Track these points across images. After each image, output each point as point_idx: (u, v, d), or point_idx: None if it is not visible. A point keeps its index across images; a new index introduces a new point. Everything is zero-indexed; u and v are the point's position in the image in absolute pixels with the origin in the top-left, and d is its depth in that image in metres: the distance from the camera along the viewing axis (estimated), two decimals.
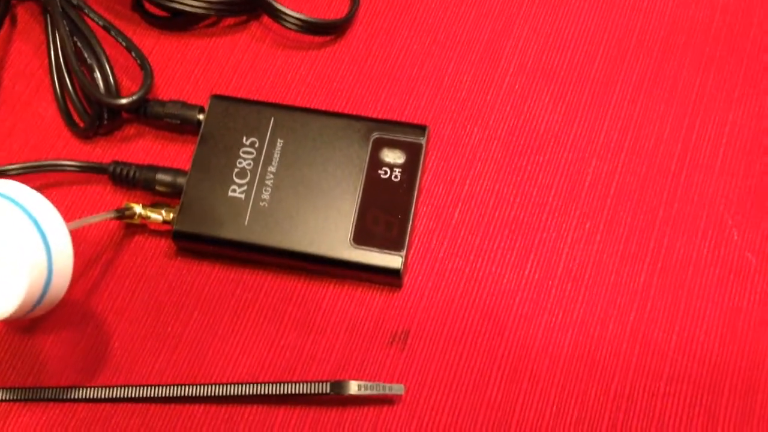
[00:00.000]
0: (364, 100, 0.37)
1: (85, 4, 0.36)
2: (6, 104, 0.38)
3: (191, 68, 0.39)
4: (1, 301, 0.26)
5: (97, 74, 0.35)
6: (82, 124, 0.37)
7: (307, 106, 0.37)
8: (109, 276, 0.34)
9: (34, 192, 0.27)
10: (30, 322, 0.34)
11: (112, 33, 0.36)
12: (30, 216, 0.26)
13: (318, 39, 0.39)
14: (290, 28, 0.38)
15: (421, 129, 0.35)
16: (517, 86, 0.37)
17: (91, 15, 0.36)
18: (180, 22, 0.39)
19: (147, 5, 0.39)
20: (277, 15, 0.38)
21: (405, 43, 0.38)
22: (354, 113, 0.36)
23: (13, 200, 0.26)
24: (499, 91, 0.37)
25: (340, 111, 0.36)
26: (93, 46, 0.36)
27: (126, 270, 0.34)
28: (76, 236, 0.33)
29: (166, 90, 0.38)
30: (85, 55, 0.36)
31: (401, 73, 0.38)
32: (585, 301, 0.33)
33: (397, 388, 0.31)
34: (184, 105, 0.36)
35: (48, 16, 0.37)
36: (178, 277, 0.34)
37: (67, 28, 0.36)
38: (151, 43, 0.39)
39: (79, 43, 0.36)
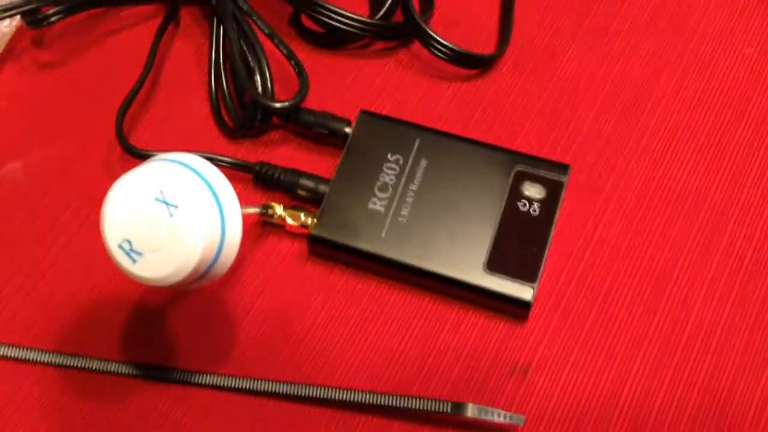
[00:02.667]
0: (503, 136, 0.38)
1: (254, 11, 0.38)
2: (161, 100, 0.40)
3: (338, 85, 0.40)
4: (174, 267, 0.27)
5: (258, 77, 0.37)
6: (231, 125, 0.38)
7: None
8: (243, 270, 0.35)
9: (217, 171, 0.28)
10: (165, 304, 0.35)
11: (275, 41, 0.38)
12: (212, 191, 0.28)
13: (464, 71, 0.40)
14: (439, 57, 0.39)
15: (563, 167, 0.35)
16: (657, 140, 0.38)
17: (258, 22, 0.38)
18: (333, 41, 0.41)
19: (304, 20, 0.41)
20: (428, 42, 0.39)
21: (548, 86, 0.39)
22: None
23: (198, 173, 0.28)
24: (639, 142, 0.38)
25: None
26: (257, 50, 0.37)
27: (258, 267, 0.35)
28: None
29: (312, 102, 0.39)
30: (249, 58, 0.37)
31: (542, 114, 0.38)
32: (712, 363, 0.33)
33: (516, 418, 0.31)
34: (334, 117, 0.37)
35: (215, 18, 0.39)
36: (308, 280, 0.35)
37: (236, 32, 0.37)
38: (303, 57, 0.40)
39: (244, 47, 0.37)
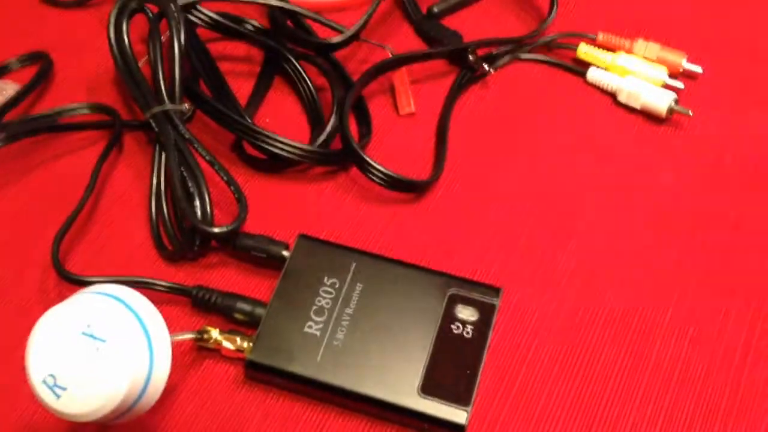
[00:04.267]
0: (438, 258, 0.39)
1: (195, 138, 0.39)
2: (100, 223, 0.40)
3: (278, 208, 0.41)
4: (98, 403, 0.27)
5: (197, 202, 0.38)
6: (171, 249, 0.39)
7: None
8: (176, 395, 0.35)
9: (148, 304, 0.29)
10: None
11: (215, 167, 0.39)
12: (142, 325, 0.28)
13: (401, 195, 0.41)
14: (376, 182, 0.41)
15: (495, 291, 0.36)
16: (586, 262, 0.39)
17: (200, 149, 0.39)
18: (274, 166, 0.42)
19: (246, 146, 0.42)
20: (365, 168, 0.40)
21: (482, 209, 0.41)
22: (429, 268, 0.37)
23: (128, 307, 0.28)
24: (569, 264, 0.39)
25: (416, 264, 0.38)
26: (197, 176, 0.38)
27: (193, 392, 0.35)
28: None
29: (252, 226, 0.40)
30: (189, 184, 0.38)
31: (476, 236, 0.40)
32: None
33: None
34: (271, 240, 0.38)
35: (158, 146, 0.40)
36: (244, 405, 0.35)
37: (177, 159, 0.38)
38: (244, 181, 0.42)
39: (185, 173, 0.38)
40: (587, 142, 0.43)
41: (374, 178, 0.41)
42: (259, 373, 0.35)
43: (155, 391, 0.28)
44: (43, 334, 0.27)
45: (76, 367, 0.27)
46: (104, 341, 0.27)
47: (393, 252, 0.39)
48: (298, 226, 0.40)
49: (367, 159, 0.40)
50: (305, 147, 0.41)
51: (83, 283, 0.36)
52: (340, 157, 0.42)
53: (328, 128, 0.42)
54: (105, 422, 0.28)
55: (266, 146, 0.40)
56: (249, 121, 0.41)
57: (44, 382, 0.27)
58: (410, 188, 0.41)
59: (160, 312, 0.36)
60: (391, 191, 0.41)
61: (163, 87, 0.40)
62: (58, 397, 0.27)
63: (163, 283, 0.37)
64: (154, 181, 0.40)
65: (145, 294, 0.37)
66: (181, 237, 0.39)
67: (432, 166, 0.42)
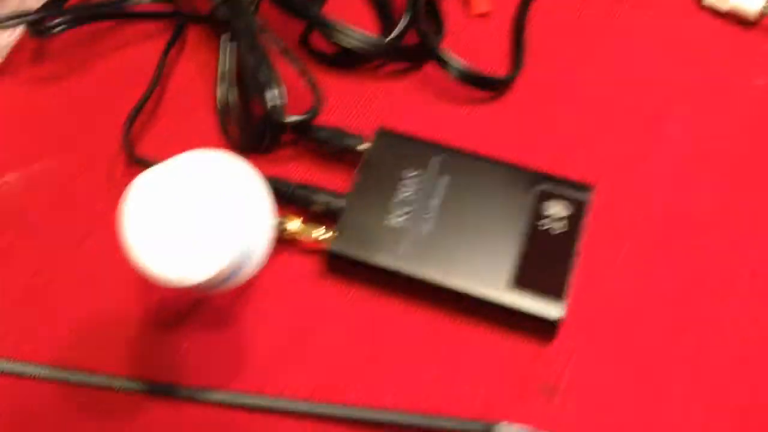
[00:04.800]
0: (520, 160, 0.37)
1: (267, 26, 0.37)
2: (168, 115, 0.39)
3: (348, 107, 0.39)
4: (204, 266, 0.25)
5: (270, 92, 0.36)
6: (240, 141, 0.37)
7: None
8: (256, 286, 0.34)
9: (255, 172, 0.27)
10: (172, 320, 0.33)
11: (289, 56, 0.37)
12: (252, 191, 0.26)
13: (478, 94, 0.39)
14: (453, 77, 0.39)
15: (586, 187, 0.35)
16: (677, 166, 0.37)
17: (271, 37, 0.37)
18: (345, 62, 0.40)
19: (314, 41, 0.40)
20: (442, 62, 0.39)
21: (563, 111, 0.39)
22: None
23: (238, 171, 0.26)
24: (659, 167, 0.37)
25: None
26: (269, 65, 0.36)
27: (272, 283, 0.34)
28: None
29: (322, 121, 0.38)
30: (261, 73, 0.36)
31: (557, 138, 0.38)
32: (749, 384, 0.32)
33: None
34: (347, 133, 0.36)
35: (226, 33, 0.38)
36: (325, 296, 0.34)
37: (248, 47, 0.37)
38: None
39: (256, 61, 0.36)
40: (671, 45, 0.41)
41: (452, 72, 0.39)
42: (342, 264, 0.33)
43: (258, 261, 0.27)
44: (143, 195, 0.26)
45: (179, 228, 0.25)
46: (213, 203, 0.25)
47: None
48: (369, 125, 0.38)
49: (445, 52, 0.38)
50: (380, 40, 0.39)
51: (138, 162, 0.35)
52: (415, 52, 0.40)
53: (402, 23, 0.40)
54: (203, 289, 0.26)
55: (339, 39, 0.38)
56: (319, 9, 0.39)
57: (145, 244, 0.25)
58: (489, 85, 0.39)
59: None
60: (468, 88, 0.39)
61: None
62: (158, 260, 0.25)
63: None
64: (224, 71, 0.38)
65: None
66: (251, 128, 0.37)
67: (508, 67, 0.40)
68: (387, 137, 0.36)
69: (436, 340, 0.33)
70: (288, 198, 0.35)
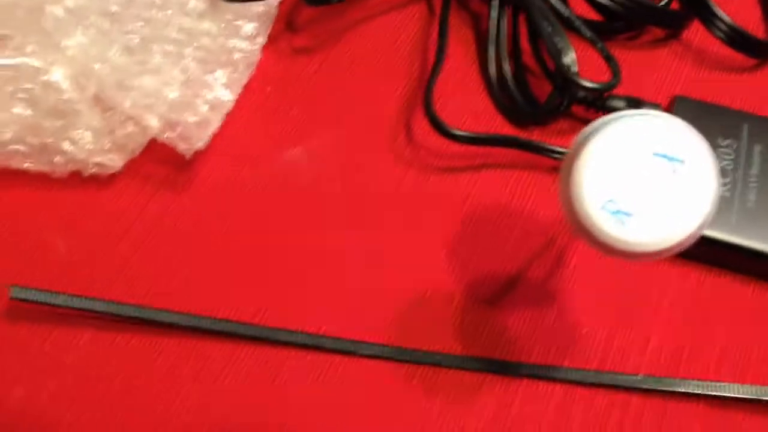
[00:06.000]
0: None
1: None
2: (446, 80, 0.38)
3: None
4: (672, 230, 0.24)
5: (566, 58, 0.35)
6: (527, 111, 0.37)
7: None
8: (574, 258, 0.34)
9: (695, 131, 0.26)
10: (495, 296, 0.33)
11: (576, 24, 0.36)
12: (708, 150, 0.25)
13: (743, 62, 0.39)
14: (721, 38, 0.38)
15: None
16: None
17: (558, 5, 0.37)
18: (610, 29, 0.39)
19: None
20: (710, 20, 0.38)
21: None
22: None
23: (690, 130, 0.25)
24: None
25: None
26: (560, 31, 0.36)
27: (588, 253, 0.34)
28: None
29: None
30: (556, 40, 0.36)
31: None
32: None
33: None
34: (644, 102, 0.36)
35: (509, 6, 0.38)
36: (652, 270, 0.33)
37: (540, 14, 0.36)
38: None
39: (548, 28, 0.36)
40: None
41: (718, 32, 0.38)
42: None
43: (706, 225, 0.26)
44: (606, 156, 0.24)
45: (647, 191, 0.24)
46: (682, 162, 0.24)
47: None
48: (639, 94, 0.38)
49: (714, 8, 0.38)
50: (650, 4, 0.38)
51: (457, 137, 0.35)
52: (680, 13, 0.39)
53: None
54: (659, 256, 0.25)
55: (611, 3, 0.38)
56: None
57: (604, 208, 0.24)
58: (757, 49, 0.38)
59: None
60: (735, 51, 0.38)
61: None
62: (623, 224, 0.24)
63: (546, 146, 0.35)
64: (497, 37, 0.38)
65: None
66: (534, 100, 0.37)
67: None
68: (688, 106, 0.35)
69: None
70: None
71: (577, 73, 0.35)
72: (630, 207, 0.24)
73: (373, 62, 0.39)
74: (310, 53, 0.39)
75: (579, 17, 0.37)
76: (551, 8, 0.36)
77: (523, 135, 0.37)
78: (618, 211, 0.24)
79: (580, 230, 0.25)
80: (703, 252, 0.33)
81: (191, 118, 0.32)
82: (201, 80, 0.33)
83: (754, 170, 0.34)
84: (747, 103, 0.37)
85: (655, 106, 0.36)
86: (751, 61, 0.39)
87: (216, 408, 0.30)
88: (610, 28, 0.40)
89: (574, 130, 0.37)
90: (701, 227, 0.24)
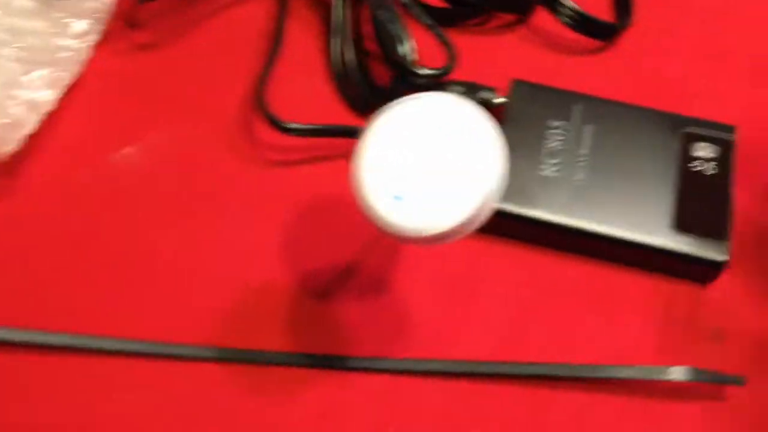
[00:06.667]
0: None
1: None
2: (284, 76, 0.37)
3: (465, 62, 0.38)
4: (448, 214, 0.24)
5: (401, 46, 0.35)
6: (366, 100, 0.36)
7: None
8: (408, 248, 0.33)
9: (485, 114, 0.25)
10: (325, 290, 0.32)
11: (415, 11, 0.36)
12: (492, 133, 0.25)
13: (588, 44, 0.39)
14: (566, 23, 0.38)
15: (729, 128, 0.34)
16: None
17: None
18: (454, 16, 0.39)
19: None
20: (554, 7, 0.38)
21: (684, 55, 0.39)
22: None
23: (476, 111, 0.25)
24: None
25: None
26: (398, 18, 0.35)
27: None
28: None
29: None
30: (391, 28, 0.35)
31: (676, 83, 0.38)
32: None
33: (736, 380, 0.30)
34: (482, 86, 0.36)
35: None
36: (480, 254, 0.33)
37: (375, 2, 0.36)
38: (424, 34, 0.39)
39: (385, 16, 0.35)
40: None
41: (563, 17, 0.38)
42: (499, 221, 0.33)
43: (490, 209, 0.25)
44: (382, 135, 0.24)
45: (424, 174, 0.24)
46: (459, 145, 0.24)
47: None
48: (487, 79, 0.37)
49: None
50: None
51: (292, 131, 0.34)
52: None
53: None
54: (438, 240, 0.25)
55: None
56: None
57: (382, 190, 0.24)
58: (601, 32, 0.39)
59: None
60: (579, 34, 0.38)
61: None
62: (398, 208, 0.24)
63: None
64: (338, 24, 0.37)
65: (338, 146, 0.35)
66: (375, 88, 0.36)
67: (616, 15, 0.40)
68: (524, 88, 0.35)
69: (595, 290, 0.33)
70: None
71: (413, 61, 0.35)
72: (406, 191, 0.24)
73: (215, 57, 0.38)
74: (149, 50, 0.38)
75: (419, 3, 0.36)
76: None
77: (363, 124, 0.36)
78: (396, 196, 0.24)
79: (367, 216, 0.25)
80: (535, 233, 0.33)
81: (1, 120, 0.31)
82: (17, 81, 0.32)
83: (584, 150, 0.33)
84: (593, 85, 0.36)
85: (491, 89, 0.36)
86: (598, 44, 0.39)
87: (24, 420, 0.29)
88: (456, 14, 0.39)
89: None
90: (485, 206, 0.24)
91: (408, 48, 0.35)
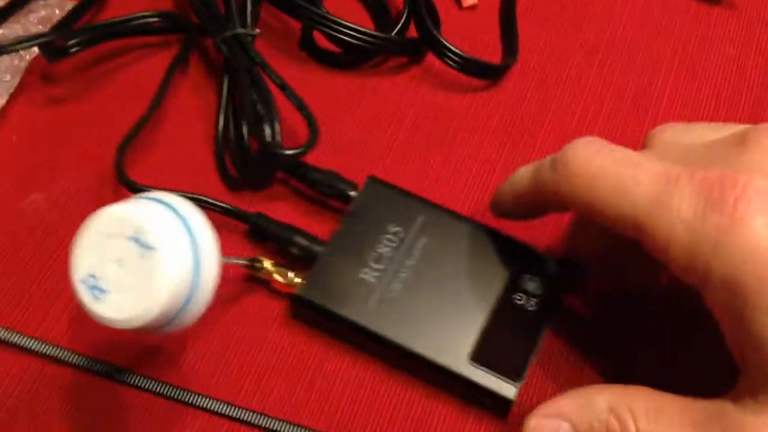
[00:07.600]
0: (521, 143, 0.39)
1: (266, 63, 0.38)
2: (164, 141, 0.39)
3: (350, 104, 0.40)
4: (139, 309, 0.26)
5: (267, 126, 0.36)
6: (235, 174, 0.38)
7: (462, 145, 0.39)
8: (220, 320, 0.34)
9: (200, 215, 0.27)
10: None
11: (286, 92, 0.37)
12: (191, 236, 0.26)
13: (475, 83, 0.41)
14: (452, 66, 0.40)
15: (565, 268, 0.34)
16: None
17: (271, 74, 0.37)
18: (346, 61, 0.41)
19: (315, 42, 0.41)
20: (442, 52, 0.40)
21: (558, 94, 0.40)
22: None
23: (180, 216, 0.27)
24: None
25: (490, 157, 0.38)
26: (268, 100, 0.37)
27: (237, 319, 0.34)
28: None
29: (324, 122, 0.37)
30: (259, 108, 0.36)
31: (555, 119, 0.39)
32: None
33: None
34: (340, 178, 0.36)
35: (227, 68, 0.39)
36: (283, 338, 0.34)
37: (248, 83, 0.37)
38: (313, 79, 0.41)
39: (255, 96, 0.37)
40: (649, 25, 0.43)
41: (450, 62, 0.40)
42: (306, 310, 0.33)
43: (199, 306, 0.27)
44: (89, 233, 0.26)
45: (119, 270, 0.26)
46: (150, 248, 0.25)
47: (474, 139, 0.39)
48: (373, 122, 0.39)
49: (444, 41, 0.39)
50: (382, 35, 0.40)
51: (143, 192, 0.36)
52: (417, 43, 0.41)
53: (404, 17, 0.41)
54: (145, 332, 0.26)
55: (341, 35, 0.39)
56: (322, 9, 0.40)
57: (84, 282, 0.26)
58: (487, 72, 0.41)
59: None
60: (467, 76, 0.40)
61: (234, 10, 0.39)
62: (97, 299, 0.26)
63: (224, 205, 0.35)
64: (222, 103, 0.39)
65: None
66: (247, 162, 0.37)
67: (503, 54, 0.42)
68: (376, 187, 0.36)
69: (401, 401, 0.32)
70: (269, 236, 0.35)
71: (275, 143, 0.36)
72: (104, 284, 0.26)
73: (119, 110, 0.40)
74: (61, 103, 0.40)
75: (288, 85, 0.37)
76: (259, 76, 0.37)
77: (233, 198, 0.37)
78: (95, 287, 0.26)
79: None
80: (339, 331, 0.33)
81: None
82: None
83: (411, 261, 0.34)
84: (479, 122, 0.39)
85: (351, 184, 0.36)
86: (484, 82, 0.41)
87: None
88: (348, 60, 0.41)
89: (285, 197, 0.37)
90: (162, 314, 0.26)
91: (272, 129, 0.36)
